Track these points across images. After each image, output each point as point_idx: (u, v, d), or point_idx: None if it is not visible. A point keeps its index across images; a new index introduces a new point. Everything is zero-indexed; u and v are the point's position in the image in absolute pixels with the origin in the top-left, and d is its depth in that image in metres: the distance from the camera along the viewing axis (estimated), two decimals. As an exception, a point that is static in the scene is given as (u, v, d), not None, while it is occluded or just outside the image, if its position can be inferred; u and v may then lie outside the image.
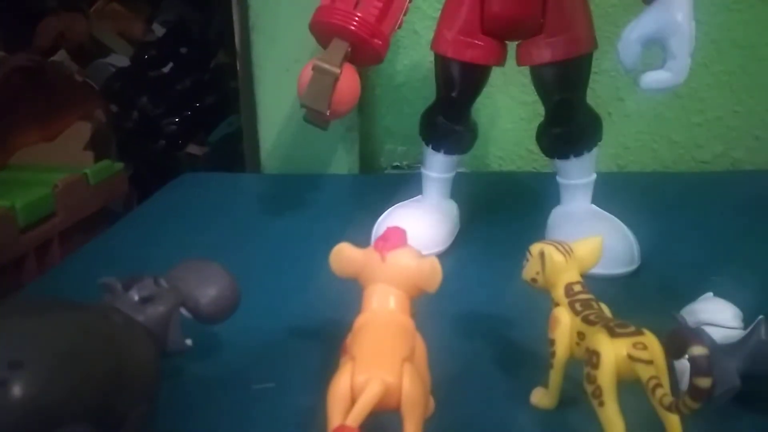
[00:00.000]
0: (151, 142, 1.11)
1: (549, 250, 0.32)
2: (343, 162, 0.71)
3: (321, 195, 0.63)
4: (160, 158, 1.09)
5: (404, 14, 0.46)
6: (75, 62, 1.22)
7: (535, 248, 0.33)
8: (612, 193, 0.50)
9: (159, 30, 1.35)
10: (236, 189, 0.66)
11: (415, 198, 0.52)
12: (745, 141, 0.72)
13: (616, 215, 0.48)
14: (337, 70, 0.42)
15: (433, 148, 0.49)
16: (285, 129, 0.69)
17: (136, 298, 0.29)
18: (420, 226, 0.46)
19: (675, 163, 0.73)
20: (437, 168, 0.50)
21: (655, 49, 0.39)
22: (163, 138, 1.11)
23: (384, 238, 0.30)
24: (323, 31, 0.43)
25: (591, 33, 0.43)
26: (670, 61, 0.38)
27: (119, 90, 1.15)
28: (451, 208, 0.52)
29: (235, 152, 0.84)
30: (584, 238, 0.33)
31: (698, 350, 0.23)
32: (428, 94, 0.50)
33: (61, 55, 1.21)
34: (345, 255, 0.31)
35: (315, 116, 0.43)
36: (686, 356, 0.23)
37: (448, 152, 0.49)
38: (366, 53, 0.44)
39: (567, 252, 0.32)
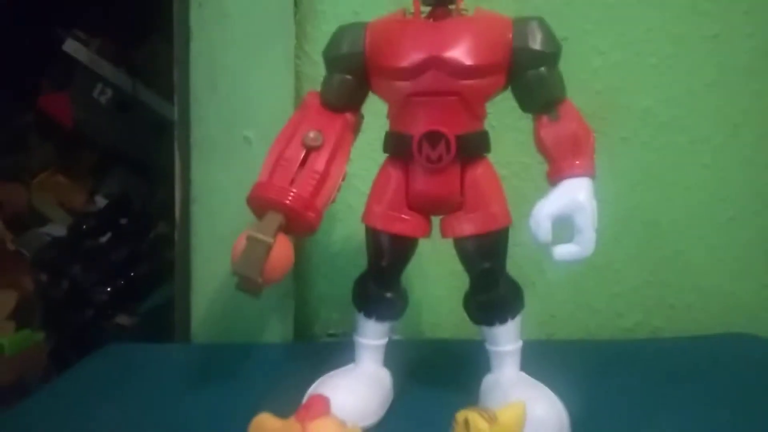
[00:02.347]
0: (78, 311, 1.07)
1: (473, 417, 0.32)
2: (277, 330, 0.70)
3: (252, 365, 0.62)
4: (86, 328, 1.05)
5: (338, 191, 0.49)
6: (10, 231, 1.21)
7: (461, 416, 0.33)
8: (541, 360, 0.51)
9: (101, 201, 1.38)
10: (163, 360, 0.64)
11: (347, 366, 0.51)
12: (661, 310, 0.77)
13: (545, 383, 0.48)
14: (271, 240, 0.43)
15: (365, 315, 0.51)
16: (218, 297, 0.69)
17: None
18: (351, 398, 0.46)
19: (599, 331, 0.75)
20: (370, 334, 0.51)
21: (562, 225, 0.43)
22: (92, 308, 1.07)
23: (306, 406, 0.30)
24: (260, 205, 0.46)
25: (505, 209, 0.48)
26: (578, 235, 0.42)
27: (52, 259, 1.14)
28: (385, 377, 0.51)
29: (166, 323, 0.82)
30: (508, 405, 0.34)
31: None
32: (362, 263, 0.52)
33: (-5, 224, 1.20)
34: (265, 427, 0.30)
35: (247, 284, 0.44)
36: None
37: (379, 318, 0.50)
38: (300, 225, 0.47)
39: (491, 419, 0.32)
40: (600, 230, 0.73)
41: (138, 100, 1.42)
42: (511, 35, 0.44)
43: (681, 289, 0.77)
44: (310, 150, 0.46)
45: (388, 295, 0.50)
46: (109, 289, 1.09)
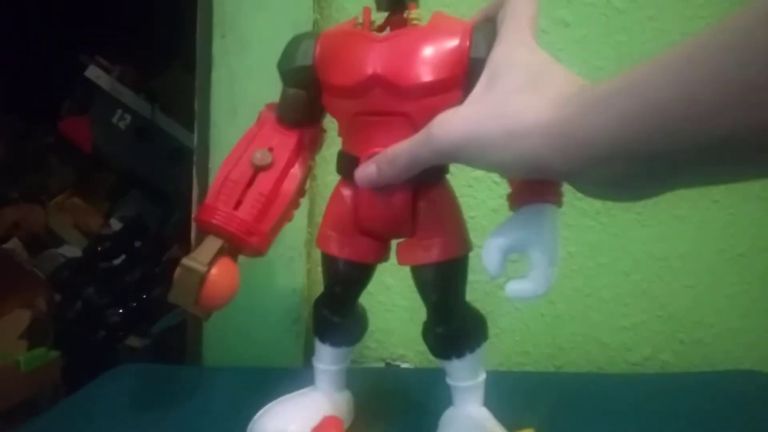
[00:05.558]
0: (91, 332, 1.08)
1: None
2: (287, 355, 0.71)
3: (262, 389, 0.61)
4: (97, 350, 1.06)
5: (296, 208, 0.48)
6: (26, 251, 1.23)
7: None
8: (548, 393, 0.51)
9: (116, 224, 1.40)
10: (173, 382, 0.64)
11: (303, 390, 0.51)
12: (670, 344, 0.77)
13: (552, 415, 0.48)
14: (204, 269, 0.42)
15: (320, 340, 0.50)
16: (230, 321, 0.69)
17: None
18: (297, 422, 0.45)
19: (608, 365, 0.75)
20: (326, 359, 0.50)
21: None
22: (104, 329, 1.08)
23: (319, 428, 0.30)
24: (205, 228, 0.45)
25: (463, 237, 0.44)
26: (532, 271, 0.35)
27: (66, 280, 1.15)
28: (340, 402, 0.50)
29: (177, 345, 0.83)
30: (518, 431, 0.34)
31: None
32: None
33: (13, 243, 1.22)
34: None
35: (191, 310, 0.43)
36: None
37: (333, 344, 0.49)
38: (246, 249, 0.45)
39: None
40: (609, 264, 0.75)
41: (156, 126, 1.45)
42: (468, 44, 0.39)
43: (690, 325, 0.77)
44: (258, 170, 0.44)
45: (343, 321, 0.49)
46: (121, 310, 1.10)
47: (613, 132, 0.26)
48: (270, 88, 0.69)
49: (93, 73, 1.45)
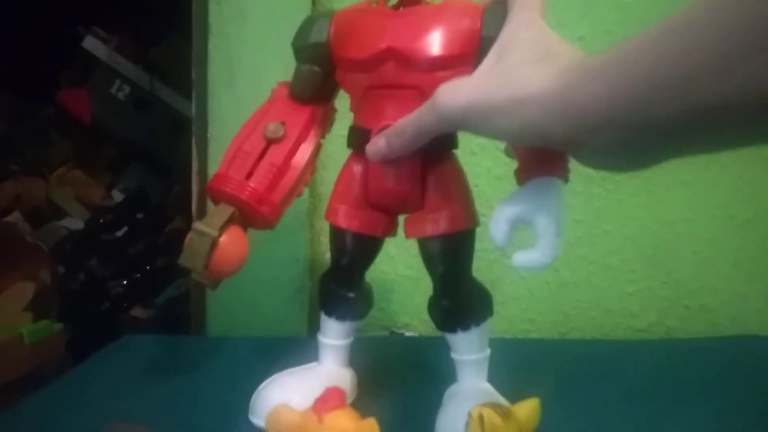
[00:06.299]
0: (95, 304, 1.09)
1: (488, 413, 0.32)
2: (291, 325, 0.71)
3: (266, 358, 0.62)
4: (102, 321, 1.07)
5: (306, 185, 0.48)
6: (28, 223, 1.23)
7: (475, 411, 0.33)
8: (553, 359, 0.51)
9: (118, 196, 1.39)
10: (178, 352, 0.65)
11: (309, 364, 0.51)
12: (676, 310, 0.76)
13: (556, 382, 0.48)
14: (215, 233, 0.42)
15: (325, 313, 0.49)
16: (234, 291, 0.69)
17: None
18: (297, 398, 0.42)
19: (613, 331, 0.75)
20: (331, 334, 0.49)
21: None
22: (108, 300, 1.09)
23: (323, 399, 0.30)
24: (217, 197, 0.46)
25: (470, 210, 0.44)
26: (539, 240, 0.36)
27: (69, 252, 1.15)
28: (344, 377, 0.50)
29: (181, 315, 0.83)
30: (523, 401, 0.34)
31: None
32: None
33: (14, 216, 1.22)
34: (281, 417, 0.30)
35: (198, 276, 0.44)
36: None
37: (339, 318, 0.49)
38: (256, 218, 0.46)
39: (506, 415, 0.32)
40: (614, 230, 0.75)
41: (155, 96, 1.44)
42: (479, 23, 0.40)
43: (695, 290, 0.77)
44: (270, 142, 0.45)
45: (349, 294, 0.49)
46: (125, 281, 1.10)
47: (606, 100, 0.27)
48: (268, 56, 0.68)
49: (90, 44, 1.43)
